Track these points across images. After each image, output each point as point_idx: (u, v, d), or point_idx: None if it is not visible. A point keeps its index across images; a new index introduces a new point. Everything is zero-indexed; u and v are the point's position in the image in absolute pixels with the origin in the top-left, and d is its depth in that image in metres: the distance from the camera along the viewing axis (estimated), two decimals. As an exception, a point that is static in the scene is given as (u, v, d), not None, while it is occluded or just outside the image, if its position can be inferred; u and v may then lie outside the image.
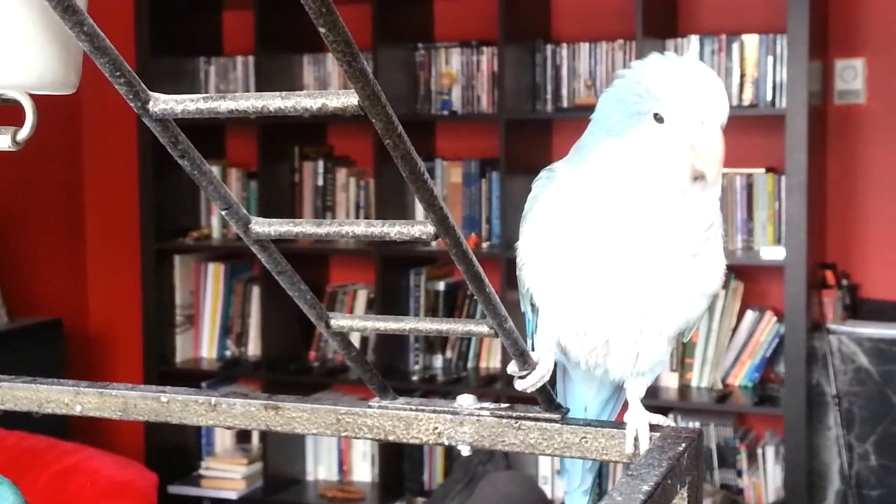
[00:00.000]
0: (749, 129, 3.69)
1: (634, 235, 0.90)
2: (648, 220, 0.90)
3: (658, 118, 0.89)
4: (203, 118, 0.69)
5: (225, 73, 4.19)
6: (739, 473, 3.61)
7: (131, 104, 0.64)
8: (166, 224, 4.13)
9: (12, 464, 3.16)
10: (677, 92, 0.88)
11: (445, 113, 3.89)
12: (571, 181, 0.95)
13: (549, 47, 3.79)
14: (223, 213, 0.79)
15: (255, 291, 4.15)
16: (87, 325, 4.48)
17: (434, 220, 0.77)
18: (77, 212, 4.46)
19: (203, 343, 4.24)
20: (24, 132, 0.70)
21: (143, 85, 0.64)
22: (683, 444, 0.83)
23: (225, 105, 0.65)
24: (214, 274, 4.21)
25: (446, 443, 0.95)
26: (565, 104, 3.77)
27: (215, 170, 4.15)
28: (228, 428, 0.93)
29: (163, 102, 0.65)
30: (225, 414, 0.94)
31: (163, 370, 4.10)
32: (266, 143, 3.96)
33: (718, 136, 0.87)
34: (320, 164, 4.08)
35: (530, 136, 3.80)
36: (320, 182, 4.08)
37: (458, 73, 3.89)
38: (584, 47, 3.76)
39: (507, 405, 0.95)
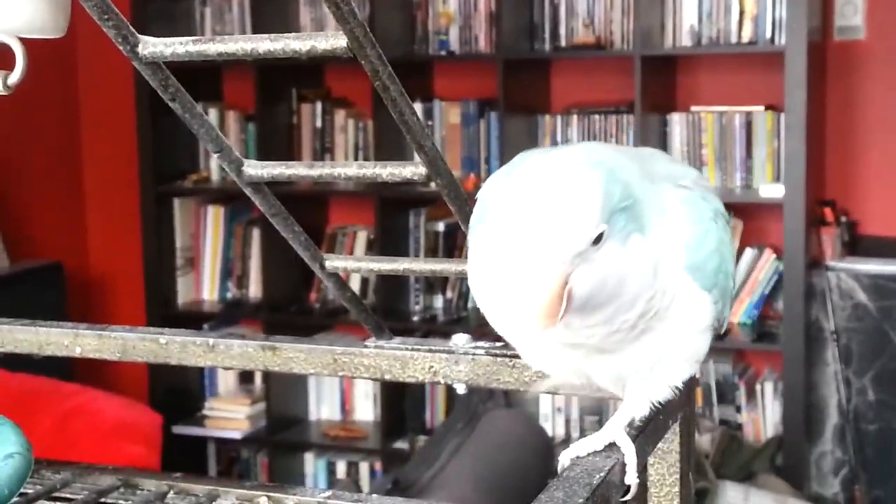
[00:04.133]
0: (748, 67, 3.67)
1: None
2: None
3: None
4: (200, 60, 0.69)
5: (221, 15, 4.16)
6: (738, 409, 3.64)
7: (120, 47, 0.64)
8: (165, 167, 4.13)
9: (16, 406, 3.19)
10: (502, 233, 0.69)
11: (443, 53, 3.87)
12: None
13: (547, -15, 3.76)
14: (216, 155, 0.79)
15: (256, 234, 4.16)
16: (88, 269, 4.50)
17: (425, 161, 0.77)
18: (75, 155, 4.46)
19: (204, 285, 4.26)
20: (14, 76, 0.70)
21: (131, 28, 0.64)
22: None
23: (214, 48, 0.65)
24: (214, 217, 4.22)
25: (441, 381, 0.96)
26: (563, 43, 3.75)
27: (213, 113, 4.15)
28: (227, 368, 0.94)
29: (152, 45, 0.65)
30: (223, 355, 0.95)
31: (165, 312, 4.12)
32: (263, 86, 3.94)
33: (534, 281, 0.67)
34: (318, 106, 4.06)
35: (528, 75, 3.78)
36: (319, 124, 4.07)
37: (456, 13, 3.86)
38: (583, -15, 3.72)
39: (501, 344, 0.97)
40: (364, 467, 4.01)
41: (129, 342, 0.96)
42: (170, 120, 4.01)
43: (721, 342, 3.54)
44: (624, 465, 0.77)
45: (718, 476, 3.18)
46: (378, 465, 3.97)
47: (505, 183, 0.72)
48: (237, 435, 4.06)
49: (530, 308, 0.67)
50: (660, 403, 0.82)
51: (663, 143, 3.67)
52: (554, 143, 3.78)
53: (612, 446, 0.79)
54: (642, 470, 0.83)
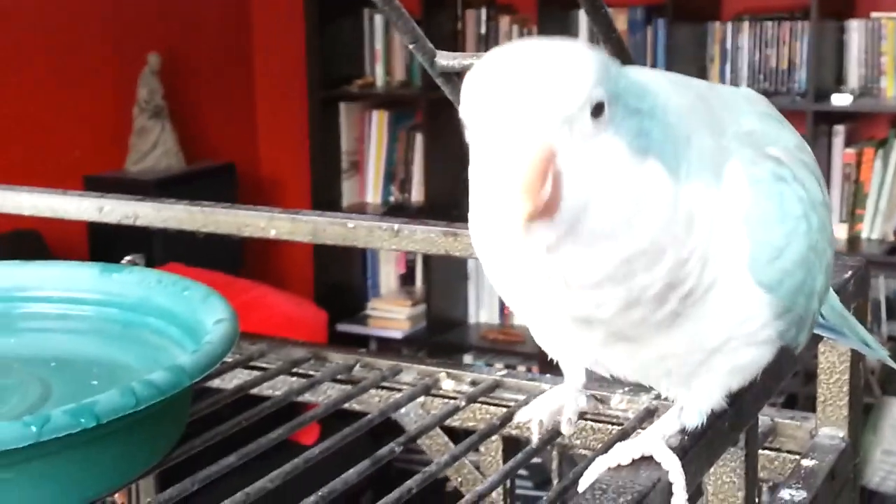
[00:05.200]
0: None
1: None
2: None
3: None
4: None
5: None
6: (906, 326, 3.55)
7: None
8: (332, 72, 4.22)
9: (195, 298, 3.36)
10: (469, 101, 0.52)
11: (611, -43, 3.80)
12: None
13: None
14: (411, 46, 0.83)
15: (419, 139, 4.22)
16: (259, 170, 4.66)
17: (612, 52, 0.80)
18: (247, 61, 4.59)
19: (368, 189, 4.37)
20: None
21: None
22: (850, 272, 0.85)
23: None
24: (378, 121, 4.30)
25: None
26: (737, -54, 3.64)
27: (378, 19, 4.20)
28: (409, 252, 0.99)
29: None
30: (407, 239, 1.00)
31: (331, 214, 4.24)
32: (430, -9, 3.97)
33: (518, 153, 0.49)
34: (483, 11, 4.07)
35: (699, -20, 3.69)
36: (483, 30, 4.08)
37: (625, -85, 3.78)
38: None
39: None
40: (521, 370, 4.08)
41: (319, 226, 1.02)
42: (337, 26, 4.10)
43: (893, 257, 3.44)
44: (669, 484, 0.61)
45: (885, 392, 3.12)
46: (535, 369, 4.04)
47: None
48: (398, 335, 4.18)
49: (506, 189, 0.49)
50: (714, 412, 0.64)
51: (839, 52, 3.54)
52: (723, 51, 3.70)
53: (649, 461, 0.62)
54: (695, 493, 0.70)
